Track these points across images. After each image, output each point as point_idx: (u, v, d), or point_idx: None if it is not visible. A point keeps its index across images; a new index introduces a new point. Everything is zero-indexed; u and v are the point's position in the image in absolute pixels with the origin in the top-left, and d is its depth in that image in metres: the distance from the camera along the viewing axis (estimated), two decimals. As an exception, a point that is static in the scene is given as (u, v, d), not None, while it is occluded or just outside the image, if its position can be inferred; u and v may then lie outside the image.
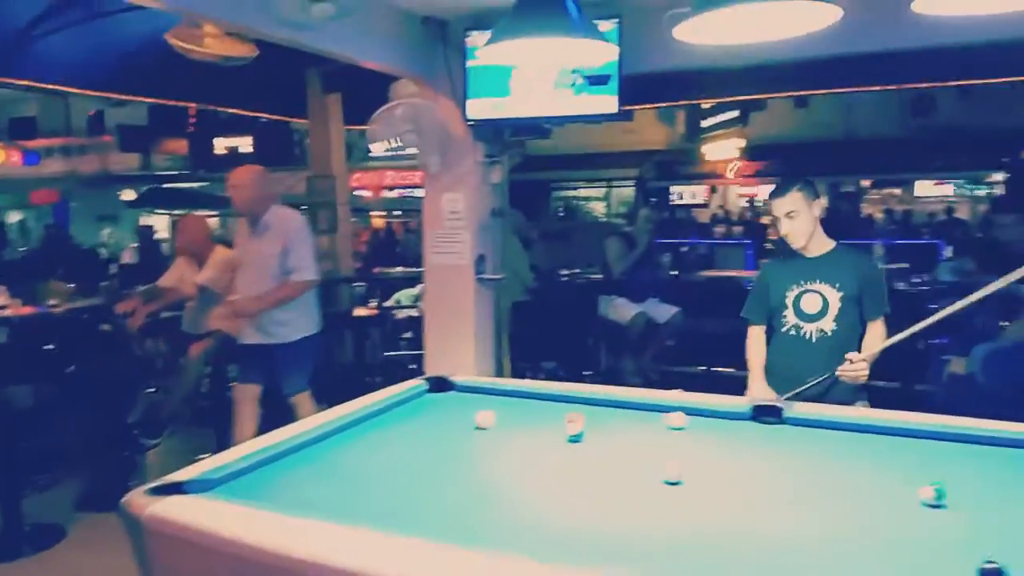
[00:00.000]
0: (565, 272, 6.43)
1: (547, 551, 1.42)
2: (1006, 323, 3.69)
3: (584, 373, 5.83)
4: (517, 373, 4.78)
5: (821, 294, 2.78)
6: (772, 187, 2.91)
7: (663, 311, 5.73)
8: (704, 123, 13.93)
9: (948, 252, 5.72)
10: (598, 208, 19.36)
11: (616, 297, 5.71)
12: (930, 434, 2.16)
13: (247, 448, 2.04)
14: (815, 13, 1.79)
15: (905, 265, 5.07)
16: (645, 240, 5.75)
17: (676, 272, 6.55)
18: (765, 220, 16.61)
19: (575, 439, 2.18)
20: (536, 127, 4.32)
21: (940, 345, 4.52)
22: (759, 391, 2.80)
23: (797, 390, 2.64)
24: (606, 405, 2.56)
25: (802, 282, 2.82)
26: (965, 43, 3.35)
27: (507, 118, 4.07)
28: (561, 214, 18.45)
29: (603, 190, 19.20)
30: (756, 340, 2.95)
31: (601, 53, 2.19)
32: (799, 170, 14.35)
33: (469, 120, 4.11)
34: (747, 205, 18.56)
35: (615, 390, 2.71)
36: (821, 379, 2.64)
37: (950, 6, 1.99)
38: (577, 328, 5.78)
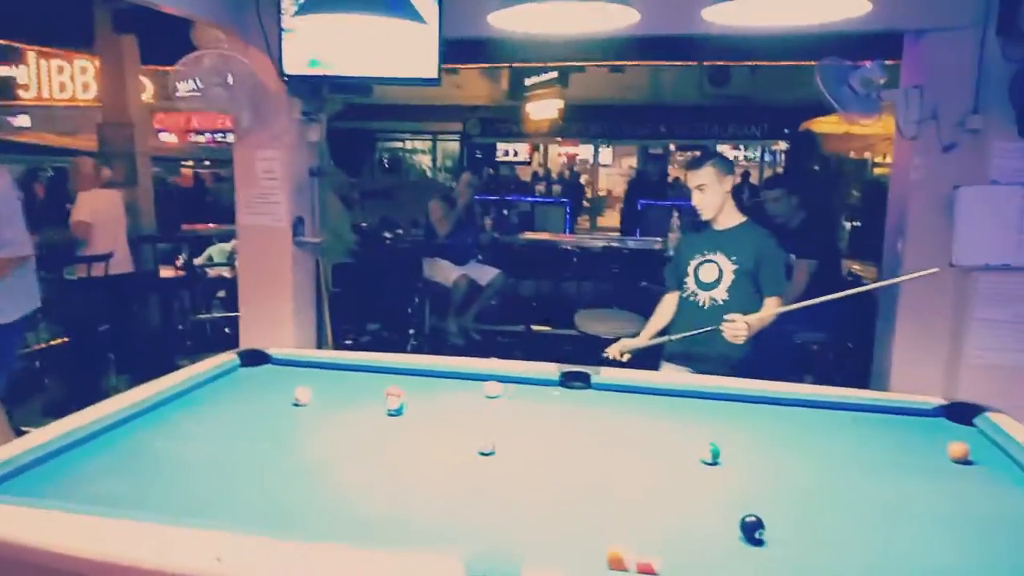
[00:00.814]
0: (389, 234, 6.37)
1: (362, 534, 1.46)
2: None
3: (409, 332, 5.88)
4: (340, 337, 4.72)
5: (718, 265, 2.96)
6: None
7: (485, 273, 5.88)
8: (527, 81, 14.20)
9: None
10: (424, 161, 19.19)
11: (439, 259, 5.76)
12: (712, 395, 2.43)
13: (32, 439, 1.87)
14: (616, 13, 1.91)
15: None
16: (464, 203, 5.83)
17: (497, 234, 6.71)
18: (583, 180, 17.36)
19: (395, 413, 2.22)
20: (356, 85, 4.20)
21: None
22: (633, 340, 3.02)
23: (684, 335, 2.90)
24: (425, 375, 2.62)
25: (704, 252, 3.00)
26: (752, 33, 3.71)
27: (325, 75, 3.92)
28: (386, 166, 18.10)
29: (429, 143, 19.04)
30: (663, 303, 3.16)
31: (415, 30, 2.17)
32: (614, 131, 15.13)
33: (284, 75, 3.92)
34: (566, 163, 19.28)
35: (434, 360, 2.78)
36: (706, 330, 2.82)
37: (731, 19, 2.23)
38: (401, 290, 5.78)
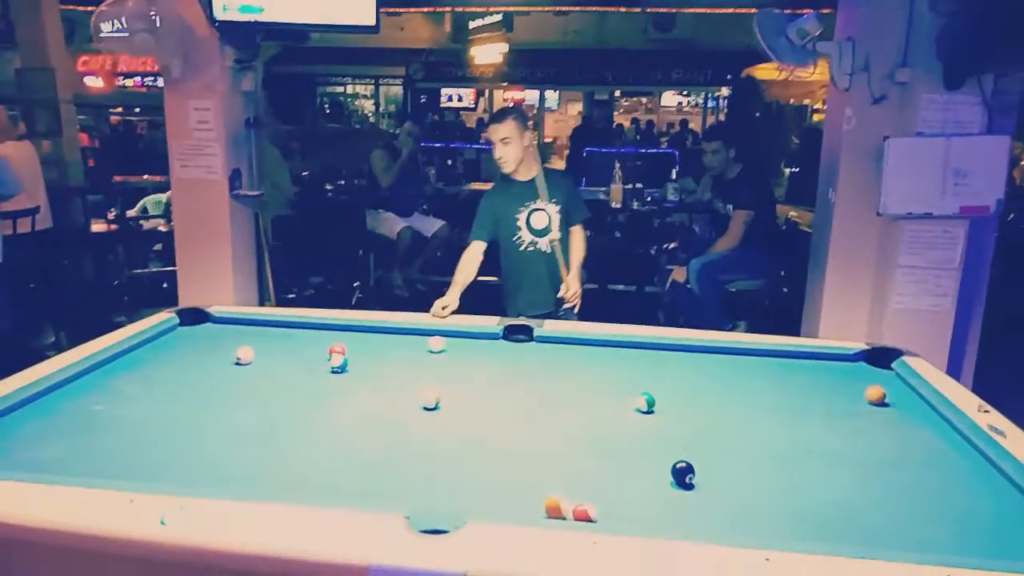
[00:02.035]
0: (329, 185, 6.25)
1: (306, 492, 1.48)
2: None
3: (354, 285, 5.84)
4: (282, 291, 4.66)
5: (545, 211, 3.21)
6: (495, 112, 3.24)
7: (429, 224, 5.85)
8: (471, 24, 13.89)
9: (674, 173, 6.39)
10: (367, 106, 18.72)
11: (383, 211, 5.70)
12: (650, 344, 2.51)
13: (-34, 405, 1.83)
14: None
15: (639, 185, 5.64)
16: (407, 153, 5.74)
17: (442, 185, 6.64)
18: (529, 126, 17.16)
19: (338, 370, 2.24)
20: (291, 32, 4.07)
21: (669, 251, 5.15)
22: (452, 297, 2.98)
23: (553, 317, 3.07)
24: (369, 331, 2.63)
25: (527, 203, 3.21)
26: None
27: (258, 22, 3.77)
28: (327, 112, 17.60)
29: (371, 87, 18.54)
30: (470, 254, 3.24)
31: None
32: (560, 76, 14.95)
33: (215, 21, 3.76)
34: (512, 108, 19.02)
35: (377, 315, 2.78)
36: (561, 312, 3.15)
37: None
38: (345, 242, 5.71)
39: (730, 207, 4.25)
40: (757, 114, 11.70)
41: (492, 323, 2.63)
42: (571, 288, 3.12)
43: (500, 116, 3.22)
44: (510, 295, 3.31)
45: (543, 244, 3.22)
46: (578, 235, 3.28)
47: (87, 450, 1.73)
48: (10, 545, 1.38)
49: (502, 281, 3.35)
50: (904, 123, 3.36)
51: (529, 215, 3.20)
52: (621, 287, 5.81)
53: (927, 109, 3.33)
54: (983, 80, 3.24)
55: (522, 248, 3.22)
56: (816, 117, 11.48)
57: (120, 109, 12.19)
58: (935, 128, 3.31)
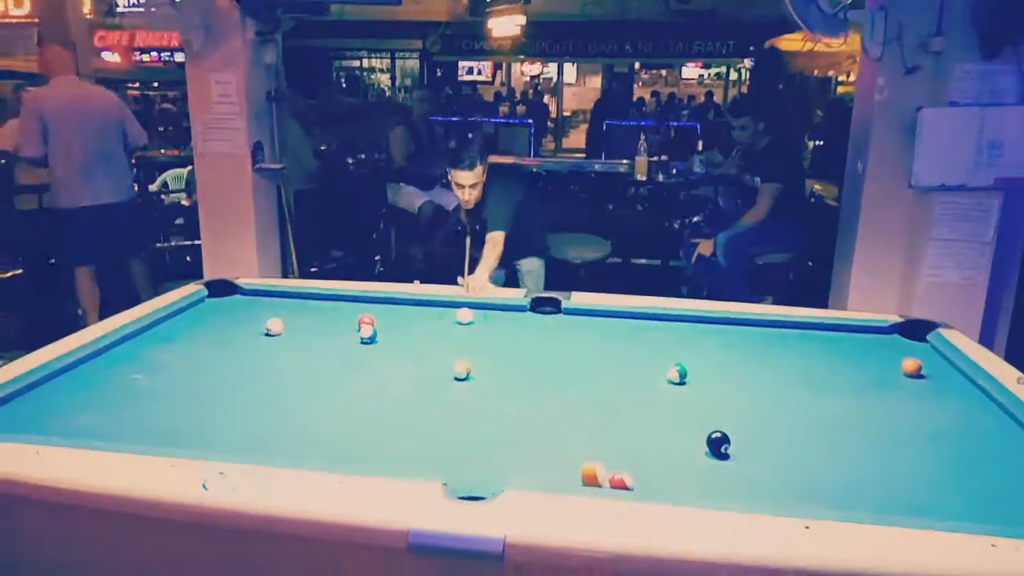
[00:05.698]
0: (351, 160, 6.24)
1: (342, 460, 1.49)
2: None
3: (375, 259, 5.85)
4: (304, 265, 4.68)
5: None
6: (460, 157, 3.23)
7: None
8: (488, -5, 13.75)
9: (700, 145, 6.30)
10: (383, 80, 18.62)
11: (404, 185, 5.68)
12: (679, 317, 2.49)
13: (4, 373, 1.85)
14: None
15: (665, 157, 5.57)
16: (421, 118, 5.73)
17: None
18: (547, 100, 17.03)
19: (368, 341, 2.24)
20: (312, 3, 4.04)
21: (694, 225, 5.10)
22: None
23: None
24: (396, 303, 2.63)
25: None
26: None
27: (280, -7, 3.75)
28: (344, 86, 17.53)
29: (387, 61, 18.43)
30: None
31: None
32: (578, 49, 14.75)
33: (236, -7, 3.74)
34: (529, 81, 18.89)
35: (404, 287, 2.78)
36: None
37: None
38: (366, 216, 5.71)
39: (758, 180, 4.18)
40: (780, 86, 11.51)
41: (519, 295, 2.62)
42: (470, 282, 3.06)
43: (469, 163, 3.19)
44: None
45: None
46: (492, 241, 3.21)
47: (125, 418, 1.75)
48: (55, 508, 1.40)
49: None
50: (937, 93, 3.29)
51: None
52: (644, 261, 5.78)
53: (961, 79, 3.25)
54: (1019, 49, 3.16)
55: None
56: (840, 89, 11.28)
57: (138, 84, 12.19)
58: (969, 98, 3.24)
